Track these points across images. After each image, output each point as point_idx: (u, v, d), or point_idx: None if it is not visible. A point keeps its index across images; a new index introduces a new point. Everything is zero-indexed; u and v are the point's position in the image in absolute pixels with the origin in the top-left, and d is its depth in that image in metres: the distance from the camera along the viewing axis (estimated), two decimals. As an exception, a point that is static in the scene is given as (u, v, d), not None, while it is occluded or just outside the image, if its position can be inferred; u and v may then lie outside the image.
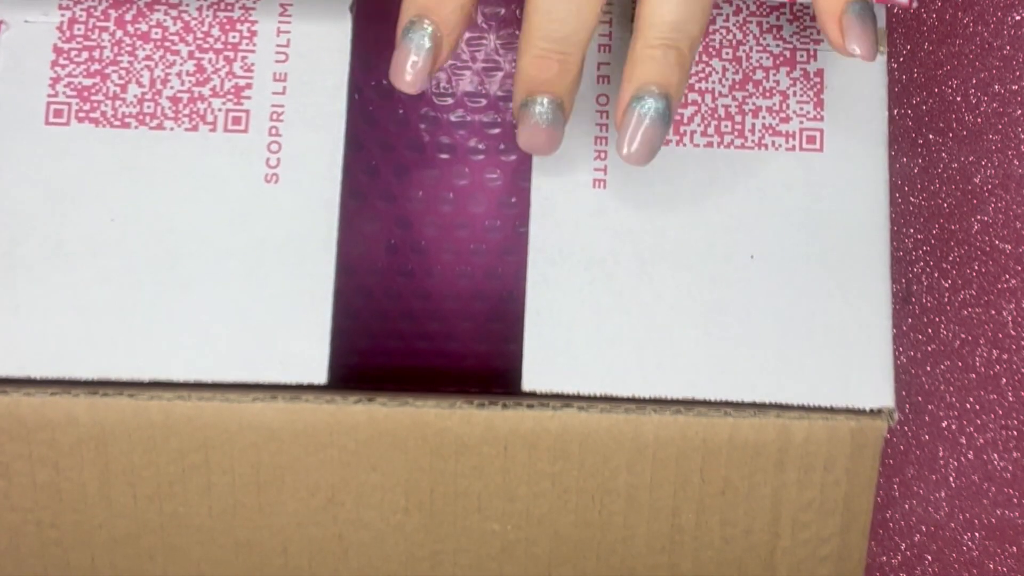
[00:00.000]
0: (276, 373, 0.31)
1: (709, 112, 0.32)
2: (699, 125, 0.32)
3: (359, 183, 0.40)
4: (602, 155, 0.32)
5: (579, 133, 0.32)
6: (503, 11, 0.37)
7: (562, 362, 0.31)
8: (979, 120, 0.37)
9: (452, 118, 0.39)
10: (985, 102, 0.37)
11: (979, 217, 0.38)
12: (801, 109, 0.32)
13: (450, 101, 0.38)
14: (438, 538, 0.32)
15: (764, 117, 0.32)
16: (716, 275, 0.32)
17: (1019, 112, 0.37)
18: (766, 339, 0.31)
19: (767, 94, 0.32)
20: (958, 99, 0.38)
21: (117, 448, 0.31)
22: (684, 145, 0.32)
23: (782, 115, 0.32)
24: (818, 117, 0.32)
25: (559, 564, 0.33)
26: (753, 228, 0.32)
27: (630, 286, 0.32)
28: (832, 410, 0.31)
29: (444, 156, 0.39)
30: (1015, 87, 0.37)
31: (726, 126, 0.32)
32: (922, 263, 0.38)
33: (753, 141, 0.32)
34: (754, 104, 0.32)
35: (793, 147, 0.32)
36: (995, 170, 0.37)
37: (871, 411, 0.31)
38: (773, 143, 0.32)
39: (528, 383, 0.31)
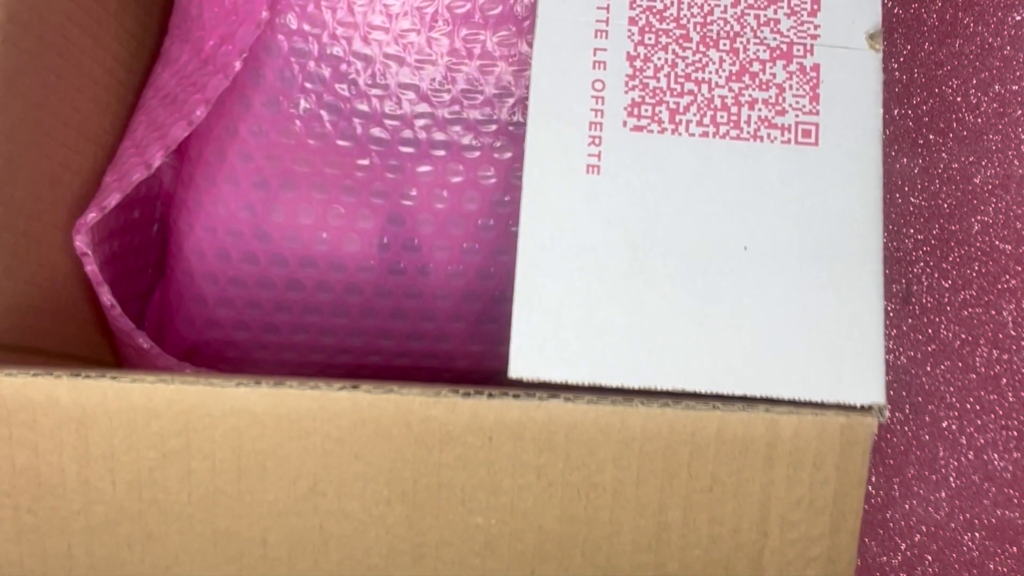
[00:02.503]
0: None
1: (705, 102, 0.32)
2: (695, 115, 0.32)
3: (352, 178, 0.39)
4: (596, 141, 0.32)
5: (573, 118, 0.32)
6: (499, 8, 0.37)
7: (550, 349, 0.31)
8: (979, 120, 0.37)
9: (447, 114, 0.38)
10: (985, 102, 0.37)
11: (979, 217, 0.37)
12: (797, 103, 0.32)
13: (446, 98, 0.38)
14: (420, 531, 0.32)
15: (760, 109, 0.32)
16: (708, 265, 0.31)
17: (1019, 112, 0.36)
18: (757, 332, 0.31)
19: (763, 86, 0.32)
20: (958, 99, 0.38)
21: (97, 431, 0.31)
22: (679, 134, 0.32)
23: (778, 108, 0.32)
24: (814, 111, 0.32)
25: (543, 562, 0.32)
26: (747, 219, 0.32)
27: (621, 274, 0.31)
28: (822, 405, 0.31)
29: (439, 153, 0.39)
30: (1015, 87, 0.37)
31: (722, 117, 0.32)
32: (922, 263, 0.38)
33: (749, 133, 0.32)
34: (750, 96, 0.32)
35: (788, 140, 0.32)
36: (995, 170, 0.37)
37: (861, 407, 0.31)
38: (769, 135, 0.32)
39: (515, 370, 0.31)
